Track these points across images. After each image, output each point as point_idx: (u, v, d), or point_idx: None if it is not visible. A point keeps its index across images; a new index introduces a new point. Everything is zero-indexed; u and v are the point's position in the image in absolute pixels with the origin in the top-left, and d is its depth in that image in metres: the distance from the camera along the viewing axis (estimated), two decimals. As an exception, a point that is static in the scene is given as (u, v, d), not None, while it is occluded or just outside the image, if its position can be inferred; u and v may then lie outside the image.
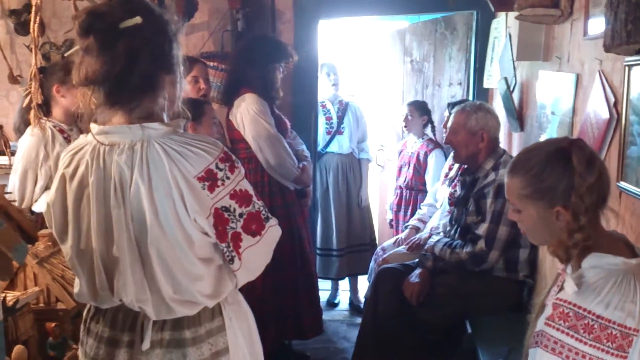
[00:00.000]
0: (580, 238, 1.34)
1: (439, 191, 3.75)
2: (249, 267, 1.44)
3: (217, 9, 3.86)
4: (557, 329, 1.30)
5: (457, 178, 3.31)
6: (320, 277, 4.06)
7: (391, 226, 4.36)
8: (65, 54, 1.98)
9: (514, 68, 3.15)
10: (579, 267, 1.35)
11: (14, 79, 3.78)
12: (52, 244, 2.16)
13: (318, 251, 4.25)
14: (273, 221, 1.46)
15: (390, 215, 4.37)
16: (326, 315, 3.97)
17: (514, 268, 2.80)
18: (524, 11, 2.45)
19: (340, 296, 4.53)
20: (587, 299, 1.27)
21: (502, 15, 3.59)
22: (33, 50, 2.44)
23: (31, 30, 2.44)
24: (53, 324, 1.98)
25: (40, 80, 2.47)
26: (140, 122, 1.36)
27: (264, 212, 1.44)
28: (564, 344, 1.28)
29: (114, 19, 1.32)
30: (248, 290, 1.68)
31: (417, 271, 2.90)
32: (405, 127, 4.22)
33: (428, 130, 4.22)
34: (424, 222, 3.73)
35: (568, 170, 1.36)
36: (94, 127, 1.39)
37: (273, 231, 1.46)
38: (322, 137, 4.31)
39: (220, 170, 1.36)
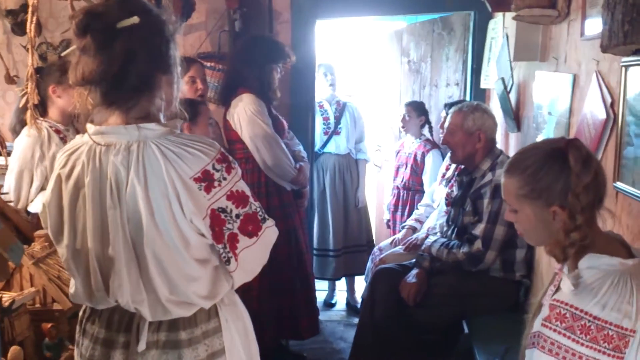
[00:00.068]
0: (577, 237, 1.34)
1: (436, 191, 3.75)
2: (246, 268, 1.44)
3: (215, 9, 3.86)
4: (554, 330, 1.30)
5: (454, 178, 3.31)
6: (317, 278, 4.06)
7: (388, 226, 4.36)
8: (62, 54, 1.98)
9: (511, 68, 3.15)
10: (576, 268, 1.35)
11: (10, 79, 3.77)
12: (49, 244, 2.16)
13: (315, 252, 4.25)
14: (270, 222, 1.46)
15: (387, 216, 4.37)
16: (323, 316, 3.98)
17: (510, 268, 2.80)
18: (521, 12, 2.46)
19: (337, 296, 4.53)
20: (584, 300, 1.27)
21: (499, 16, 3.60)
22: (30, 50, 2.44)
23: (28, 30, 2.44)
24: (49, 325, 1.98)
25: (36, 81, 2.47)
26: (136, 123, 1.35)
27: (260, 213, 1.43)
28: (560, 345, 1.28)
29: (111, 19, 1.32)
30: (244, 291, 1.68)
31: (414, 271, 2.90)
32: (402, 127, 4.22)
33: (425, 131, 4.22)
34: (421, 223, 3.74)
35: (564, 170, 1.36)
36: (90, 127, 1.39)
37: (270, 232, 1.46)
38: (319, 138, 4.30)
39: (217, 171, 1.36)
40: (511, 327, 1.88)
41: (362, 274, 4.07)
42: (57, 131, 2.63)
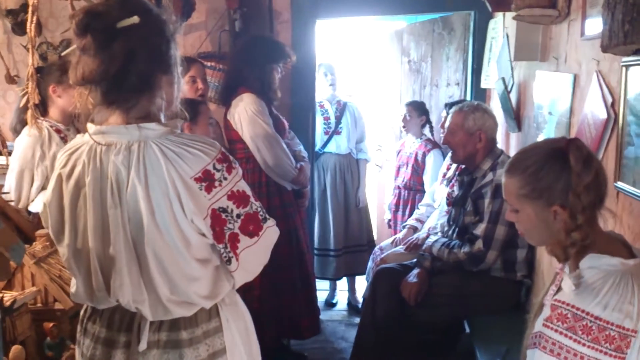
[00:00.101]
0: (578, 237, 1.34)
1: (437, 191, 3.75)
2: (247, 268, 1.44)
3: (215, 9, 3.86)
4: (555, 330, 1.30)
5: (454, 178, 3.31)
6: (318, 278, 4.06)
7: (389, 226, 4.36)
8: (62, 54, 1.98)
9: (512, 68, 3.15)
10: (577, 268, 1.35)
11: (11, 79, 3.77)
12: (50, 244, 2.16)
13: (315, 251, 4.25)
14: (271, 222, 1.46)
15: (388, 215, 4.37)
16: (324, 316, 3.98)
17: (511, 268, 2.80)
18: (522, 11, 2.45)
19: (338, 296, 4.52)
20: (585, 300, 1.27)
21: (499, 16, 3.60)
22: (30, 50, 2.44)
23: (28, 30, 2.44)
24: (51, 324, 1.98)
25: (37, 80, 2.47)
26: (137, 122, 1.35)
27: (261, 213, 1.43)
28: (562, 345, 1.28)
29: (112, 19, 1.32)
30: (245, 291, 1.68)
31: (415, 271, 2.90)
32: (403, 127, 4.22)
33: (426, 131, 4.22)
34: (422, 222, 3.74)
35: (565, 169, 1.36)
36: (90, 127, 1.39)
37: (271, 232, 1.46)
38: (319, 138, 4.30)
39: (218, 170, 1.36)
40: (512, 327, 1.88)
41: (363, 273, 4.07)
42: (58, 131, 2.63)
